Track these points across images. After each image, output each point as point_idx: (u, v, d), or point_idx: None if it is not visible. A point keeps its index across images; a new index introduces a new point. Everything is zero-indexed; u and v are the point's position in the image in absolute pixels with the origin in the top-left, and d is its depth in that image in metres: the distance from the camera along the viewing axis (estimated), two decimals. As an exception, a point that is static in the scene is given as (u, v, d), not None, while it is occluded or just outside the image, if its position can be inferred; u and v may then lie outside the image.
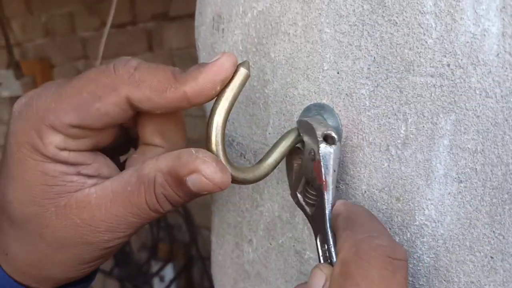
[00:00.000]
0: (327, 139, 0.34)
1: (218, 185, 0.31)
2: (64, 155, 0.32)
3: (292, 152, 0.38)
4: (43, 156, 0.32)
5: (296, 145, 0.37)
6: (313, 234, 0.35)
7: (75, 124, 0.32)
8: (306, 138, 0.35)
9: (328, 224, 0.33)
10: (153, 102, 0.32)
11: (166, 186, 0.32)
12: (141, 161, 0.34)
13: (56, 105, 0.32)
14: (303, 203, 0.37)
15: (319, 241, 0.34)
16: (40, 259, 0.34)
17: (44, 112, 0.32)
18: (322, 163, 0.33)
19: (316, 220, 0.35)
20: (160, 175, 0.32)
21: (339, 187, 0.38)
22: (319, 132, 0.34)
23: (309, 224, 0.41)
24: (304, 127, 0.36)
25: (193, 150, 0.32)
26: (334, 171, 0.34)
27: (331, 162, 0.34)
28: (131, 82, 0.32)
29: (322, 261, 0.33)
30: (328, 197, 0.34)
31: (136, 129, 0.37)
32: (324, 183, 0.33)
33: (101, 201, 0.33)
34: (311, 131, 0.35)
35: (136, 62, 0.33)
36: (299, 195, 0.37)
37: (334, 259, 0.32)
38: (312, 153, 0.34)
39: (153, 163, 0.32)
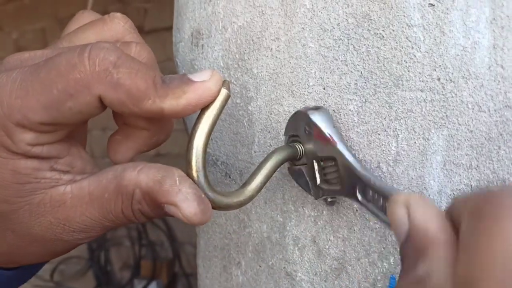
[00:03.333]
0: (312, 108, 0.36)
1: (194, 224, 0.30)
2: (37, 150, 0.30)
3: (291, 164, 0.37)
4: (13, 153, 0.29)
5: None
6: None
7: (46, 122, 0.29)
8: (297, 127, 0.36)
9: (358, 165, 0.32)
10: (126, 107, 0.29)
11: (143, 204, 0.31)
12: (122, 168, 0.31)
13: (23, 103, 0.29)
14: (329, 187, 0.36)
15: (360, 194, 0.32)
16: (11, 250, 0.33)
17: (11, 110, 0.29)
18: (318, 125, 0.34)
19: (346, 183, 0.34)
20: (138, 191, 0.30)
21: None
22: (303, 109, 0.36)
23: (300, 244, 0.39)
24: (290, 123, 0.37)
25: (177, 178, 0.30)
26: (334, 127, 0.34)
27: (325, 120, 0.35)
28: (107, 82, 0.29)
29: (373, 207, 0.31)
30: (342, 146, 0.34)
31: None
32: (330, 138, 0.34)
33: (77, 203, 0.31)
34: (297, 116, 0.36)
35: (116, 55, 0.29)
36: (322, 186, 0.36)
37: (380, 189, 0.30)
38: (307, 129, 0.35)
39: (134, 176, 0.30)
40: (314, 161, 0.35)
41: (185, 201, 0.29)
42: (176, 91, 0.30)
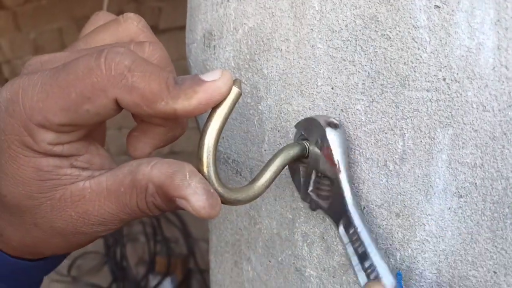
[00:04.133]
0: (331, 125, 0.35)
1: (203, 217, 0.31)
2: (57, 149, 0.31)
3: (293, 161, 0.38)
4: (34, 152, 0.31)
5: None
6: (333, 225, 0.35)
7: (65, 124, 0.31)
8: (309, 133, 0.36)
9: (351, 203, 0.33)
10: (140, 109, 0.31)
11: (156, 197, 0.32)
12: (137, 163, 0.32)
13: (44, 106, 0.30)
14: (318, 199, 0.37)
15: (343, 227, 0.34)
16: (35, 243, 0.35)
17: (32, 112, 0.30)
18: (331, 146, 0.34)
19: (335, 208, 0.35)
20: (151, 186, 0.31)
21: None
22: (322, 121, 0.35)
23: (309, 240, 0.40)
24: (304, 125, 0.37)
25: (187, 173, 0.31)
26: (344, 153, 0.35)
27: (340, 143, 0.35)
28: (122, 86, 0.30)
29: (349, 246, 0.33)
30: (344, 176, 0.34)
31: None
32: (337, 165, 0.34)
33: (95, 197, 0.32)
34: (313, 124, 0.36)
35: (130, 59, 0.30)
36: (311, 194, 0.37)
37: (363, 238, 0.32)
38: (319, 142, 0.35)
39: (147, 171, 0.31)
40: (314, 170, 0.36)
41: (194, 195, 0.30)
42: (188, 92, 0.31)
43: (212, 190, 0.31)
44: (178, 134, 0.36)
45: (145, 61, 0.31)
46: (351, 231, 0.34)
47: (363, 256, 0.33)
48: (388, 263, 0.34)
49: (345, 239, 0.34)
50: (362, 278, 0.33)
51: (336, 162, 0.34)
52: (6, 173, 0.32)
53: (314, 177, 0.37)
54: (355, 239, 0.33)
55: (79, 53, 0.33)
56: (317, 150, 0.36)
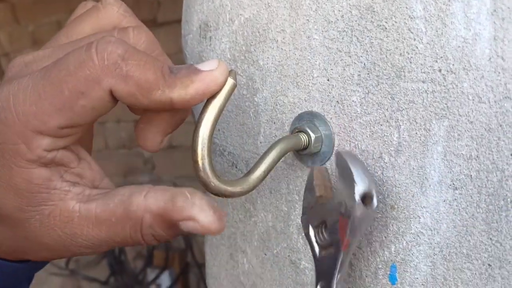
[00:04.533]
0: (365, 198, 0.30)
1: (213, 233, 0.30)
2: (51, 155, 0.31)
3: (318, 174, 0.36)
4: (27, 162, 0.30)
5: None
6: (314, 278, 0.34)
7: (63, 125, 0.30)
8: (341, 182, 0.32)
9: (335, 282, 0.32)
10: (136, 99, 0.30)
11: (154, 227, 0.31)
12: (129, 192, 0.31)
13: (37, 108, 0.29)
14: (313, 240, 0.34)
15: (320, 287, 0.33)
16: (25, 251, 0.35)
17: (26, 117, 0.29)
18: (351, 224, 0.30)
19: (322, 267, 0.33)
20: (148, 216, 0.30)
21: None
22: (360, 189, 0.30)
23: (303, 234, 0.40)
24: (341, 166, 0.32)
25: (187, 193, 0.30)
26: (361, 234, 0.31)
27: (362, 226, 0.31)
28: (117, 75, 0.29)
29: None
30: (344, 258, 0.32)
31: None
32: (344, 244, 0.31)
33: (84, 222, 0.31)
34: (348, 178, 0.31)
35: (123, 48, 0.29)
36: (312, 230, 0.35)
37: None
38: (344, 207, 0.31)
39: (142, 201, 0.30)
40: (326, 217, 0.34)
41: (202, 212, 0.29)
42: (184, 81, 0.30)
43: (215, 205, 0.30)
44: (185, 115, 0.35)
45: (137, 49, 0.30)
46: None
47: None
48: None
49: None
50: None
51: (346, 241, 0.31)
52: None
53: (322, 219, 0.34)
54: None
55: (64, 48, 0.33)
56: (336, 205, 0.32)
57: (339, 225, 0.31)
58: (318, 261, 0.34)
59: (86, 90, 0.29)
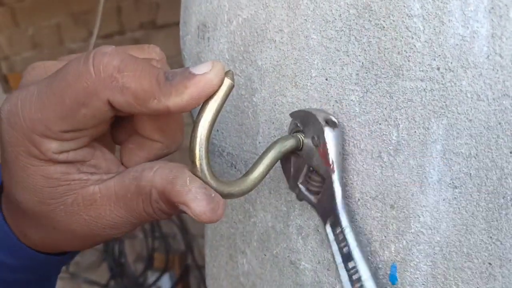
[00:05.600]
0: (329, 123, 0.34)
1: (204, 222, 0.31)
2: (63, 156, 0.32)
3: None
4: (42, 161, 0.31)
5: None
6: (321, 221, 0.36)
7: (66, 130, 0.31)
8: (305, 126, 0.36)
9: (340, 205, 0.33)
10: (133, 108, 0.31)
11: (160, 203, 0.32)
12: (141, 168, 0.32)
13: (42, 115, 0.30)
14: (306, 193, 0.36)
15: (330, 225, 0.34)
16: (56, 243, 0.37)
17: (32, 123, 0.31)
18: (327, 145, 0.34)
19: (323, 206, 0.35)
20: (154, 191, 0.32)
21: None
22: (321, 117, 0.34)
23: (303, 233, 0.40)
24: (300, 116, 0.36)
25: (187, 178, 0.31)
26: (340, 154, 0.34)
27: (336, 143, 0.34)
28: (113, 87, 0.30)
29: (334, 244, 0.34)
30: (337, 177, 0.34)
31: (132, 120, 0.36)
32: (331, 165, 0.34)
33: (106, 201, 0.33)
34: (311, 118, 0.35)
35: (119, 59, 0.30)
36: (301, 186, 0.37)
37: (348, 240, 0.33)
38: (316, 139, 0.35)
39: (150, 177, 0.32)
40: (306, 164, 0.36)
41: (195, 201, 0.30)
42: (179, 87, 0.30)
43: (213, 195, 0.31)
44: (173, 150, 0.36)
45: (133, 58, 0.31)
46: (337, 231, 0.34)
47: (347, 257, 0.34)
48: (371, 268, 0.34)
49: (331, 236, 0.34)
50: (344, 276, 0.34)
51: (331, 162, 0.34)
52: (17, 181, 0.33)
53: (305, 170, 0.36)
54: (341, 239, 0.34)
55: (69, 58, 0.34)
56: (312, 145, 0.35)
57: (321, 156, 0.34)
58: (318, 206, 0.36)
59: (85, 101, 0.30)
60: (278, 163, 0.41)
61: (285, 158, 0.38)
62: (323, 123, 0.34)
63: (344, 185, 0.35)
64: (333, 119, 0.35)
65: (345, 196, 0.36)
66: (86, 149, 0.33)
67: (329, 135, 0.34)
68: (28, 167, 0.32)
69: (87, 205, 0.33)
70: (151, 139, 0.35)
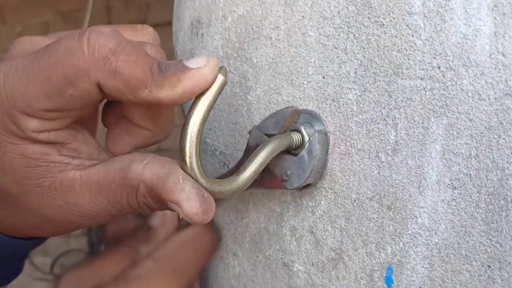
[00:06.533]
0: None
1: (195, 223, 0.30)
2: (43, 136, 0.30)
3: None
4: (21, 139, 0.30)
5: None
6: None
7: (50, 109, 0.29)
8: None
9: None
10: (123, 95, 0.30)
11: (147, 198, 0.31)
12: (129, 160, 0.31)
13: (26, 91, 0.29)
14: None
15: None
16: (28, 227, 0.35)
17: (14, 98, 0.29)
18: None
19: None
20: (143, 186, 0.30)
21: (328, 196, 0.36)
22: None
23: (297, 234, 0.39)
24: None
25: (181, 177, 0.30)
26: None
27: None
28: (106, 69, 0.28)
29: None
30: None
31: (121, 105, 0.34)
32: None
33: (86, 189, 0.31)
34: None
35: (115, 42, 0.29)
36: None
37: None
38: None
39: (139, 170, 0.30)
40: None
41: (188, 200, 0.29)
42: (172, 80, 0.29)
43: (206, 195, 0.30)
44: (161, 139, 0.35)
45: (130, 44, 0.30)
46: None
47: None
48: None
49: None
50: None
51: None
52: None
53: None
54: None
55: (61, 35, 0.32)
56: None
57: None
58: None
59: (74, 80, 0.29)
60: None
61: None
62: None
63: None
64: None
65: (341, 196, 0.35)
66: (68, 131, 0.32)
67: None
68: (6, 145, 0.30)
69: (65, 191, 0.31)
70: (140, 126, 0.34)
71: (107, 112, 0.36)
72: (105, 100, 0.34)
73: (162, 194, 0.30)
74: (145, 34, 0.35)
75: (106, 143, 0.35)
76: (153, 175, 0.30)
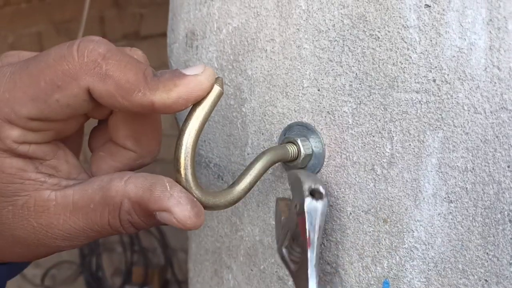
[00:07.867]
0: (314, 193, 0.31)
1: (189, 228, 0.29)
2: (23, 149, 0.29)
3: (281, 203, 0.36)
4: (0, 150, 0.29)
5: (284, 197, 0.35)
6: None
7: (34, 116, 0.28)
8: (293, 190, 0.33)
9: (311, 284, 0.31)
10: (115, 100, 0.29)
11: (132, 214, 0.30)
12: (108, 178, 0.30)
13: (11, 96, 0.28)
14: (288, 259, 0.34)
15: None
16: None
17: None
18: (307, 218, 0.31)
19: (299, 278, 0.33)
20: (127, 202, 0.30)
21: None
22: (306, 186, 0.31)
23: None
24: (292, 178, 0.34)
25: (167, 183, 0.29)
26: (320, 227, 0.31)
27: (317, 218, 0.31)
28: (95, 74, 0.28)
29: None
30: (311, 255, 0.31)
31: (106, 124, 0.34)
32: (307, 239, 0.31)
33: (60, 211, 0.30)
34: (298, 184, 0.32)
35: (105, 47, 0.29)
36: (284, 250, 0.34)
37: None
38: (297, 207, 0.32)
39: (121, 187, 0.30)
40: (289, 231, 0.34)
41: (178, 205, 0.29)
42: (167, 84, 0.29)
43: (194, 199, 0.30)
44: (146, 163, 0.34)
45: (122, 51, 0.29)
46: None
47: None
48: None
49: None
50: None
51: (308, 237, 0.31)
52: None
53: (289, 235, 0.34)
54: None
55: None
56: (294, 211, 0.33)
57: (300, 227, 0.32)
58: (294, 275, 0.33)
59: (62, 84, 0.28)
60: (267, 175, 0.39)
61: (277, 219, 0.36)
62: (306, 193, 0.31)
63: (319, 264, 0.32)
64: (321, 189, 0.32)
65: (336, 209, 0.35)
66: (49, 146, 0.31)
67: (310, 207, 0.31)
68: None
69: (39, 211, 0.30)
70: (124, 147, 0.33)
71: (93, 135, 0.35)
72: (95, 124, 0.33)
73: (150, 205, 0.29)
74: (134, 56, 0.34)
75: (90, 167, 0.34)
76: (137, 188, 0.29)
